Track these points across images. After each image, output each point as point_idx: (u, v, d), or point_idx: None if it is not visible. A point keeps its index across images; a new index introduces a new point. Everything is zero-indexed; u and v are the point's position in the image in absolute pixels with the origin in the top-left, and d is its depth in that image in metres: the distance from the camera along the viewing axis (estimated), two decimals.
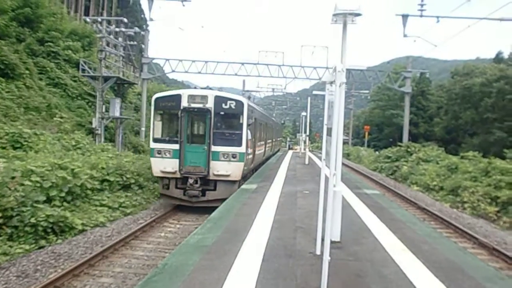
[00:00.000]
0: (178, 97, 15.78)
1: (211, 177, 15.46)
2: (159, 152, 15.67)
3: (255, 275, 5.80)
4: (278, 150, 42.63)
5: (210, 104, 15.52)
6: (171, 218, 14.05)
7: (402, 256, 6.90)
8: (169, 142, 15.73)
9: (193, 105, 15.54)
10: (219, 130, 15.68)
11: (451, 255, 7.17)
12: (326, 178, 6.05)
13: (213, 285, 5.41)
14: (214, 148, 15.45)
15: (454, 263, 6.70)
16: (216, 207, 11.32)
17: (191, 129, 16.24)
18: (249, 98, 27.30)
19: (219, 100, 15.69)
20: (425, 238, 8.25)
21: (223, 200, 12.77)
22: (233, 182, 15.76)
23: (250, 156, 17.90)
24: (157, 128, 16.10)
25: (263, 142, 23.60)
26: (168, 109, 16.13)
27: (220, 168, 15.40)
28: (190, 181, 15.23)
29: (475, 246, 11.91)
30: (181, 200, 15.62)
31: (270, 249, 7.03)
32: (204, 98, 15.69)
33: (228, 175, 15.47)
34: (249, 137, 17.00)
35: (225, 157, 15.53)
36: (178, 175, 15.46)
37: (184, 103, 15.55)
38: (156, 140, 15.90)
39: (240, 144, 15.74)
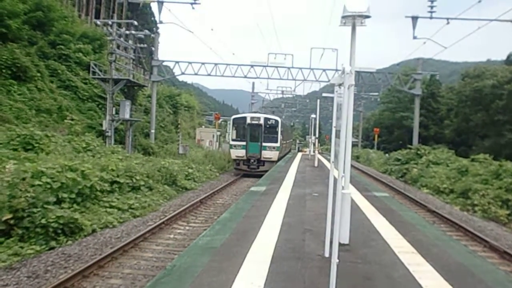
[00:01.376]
0: (245, 118, 29.70)
1: (262, 159, 28.43)
2: (235, 146, 29.01)
3: (263, 277, 5.81)
4: (290, 151, 49.40)
5: (261, 121, 28.96)
6: (180, 220, 14.08)
7: (411, 259, 6.87)
8: (240, 141, 28.81)
9: (253, 122, 28.90)
10: (266, 134, 28.75)
11: (461, 258, 7.12)
12: (335, 181, 6.05)
13: (221, 287, 5.43)
14: (264, 144, 28.53)
15: (464, 266, 6.65)
16: (263, 174, 21.67)
17: (251, 134, 28.69)
18: (273, 112, 46.37)
19: (266, 119, 29.32)
20: (435, 241, 8.20)
21: (267, 170, 24.46)
22: (273, 161, 28.83)
23: (281, 148, 30.79)
24: (233, 133, 29.52)
25: (285, 141, 35.54)
26: (240, 124, 29.31)
27: (267, 154, 28.51)
28: (251, 160, 28.46)
29: (486, 249, 11.79)
30: (245, 171, 28.46)
31: (279, 251, 7.03)
32: (258, 118, 29.34)
33: (271, 158, 28.66)
34: (281, 138, 29.86)
35: (269, 148, 28.58)
36: (245, 158, 28.47)
37: (248, 121, 29.01)
38: (233, 140, 29.38)
39: (277, 142, 29.07)
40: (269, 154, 28.49)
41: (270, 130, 29.05)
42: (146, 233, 11.62)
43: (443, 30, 27.15)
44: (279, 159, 31.18)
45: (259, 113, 34.59)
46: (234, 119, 30.53)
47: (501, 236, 13.50)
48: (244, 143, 28.59)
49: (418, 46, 77.72)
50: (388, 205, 12.58)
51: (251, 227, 8.73)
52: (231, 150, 29.32)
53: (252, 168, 28.30)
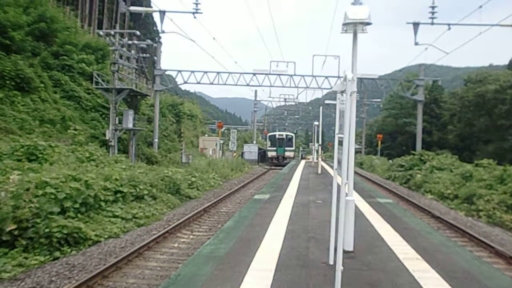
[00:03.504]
0: (275, 134, 56.53)
1: (285, 156, 52.05)
2: (270, 150, 52.95)
3: (268, 285, 5.79)
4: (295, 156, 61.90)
5: (284, 136, 54.65)
6: (184, 229, 14.07)
7: (416, 265, 6.84)
8: (273, 147, 52.78)
9: (279, 137, 54.32)
10: (287, 143, 53.27)
11: (466, 264, 7.08)
12: (338, 188, 6.05)
13: None
14: (286, 148, 52.47)
15: (469, 272, 6.61)
16: (286, 165, 42.62)
17: (279, 143, 52.55)
18: (284, 129, 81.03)
19: (287, 135, 55.94)
20: (440, 247, 8.17)
21: (288, 162, 45.74)
22: (291, 157, 52.71)
23: (295, 150, 56.34)
24: (269, 143, 54.16)
25: (296, 146, 61.32)
26: (272, 138, 54.46)
27: (288, 154, 52.69)
28: (279, 157, 51.87)
29: (491, 255, 11.72)
30: (276, 163, 49.91)
31: (283, 259, 7.01)
32: (282, 134, 56.19)
33: (290, 156, 52.91)
34: (295, 144, 57.26)
35: (289, 150, 52.93)
36: (275, 156, 51.97)
37: (277, 136, 54.84)
38: (269, 147, 53.44)
39: (293, 146, 55.15)
40: (289, 153, 53.17)
41: (289, 140, 54.41)
42: (150, 242, 11.61)
43: (445, 36, 27.23)
44: (294, 156, 55.29)
45: (283, 131, 68.17)
46: (269, 136, 57.11)
47: (507, 242, 13.40)
48: (275, 148, 52.74)
49: (420, 52, 77.75)
50: (392, 211, 12.54)
51: (255, 235, 8.71)
52: (268, 152, 53.89)
53: (280, 161, 51.24)
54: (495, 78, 47.36)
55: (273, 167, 46.45)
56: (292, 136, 56.48)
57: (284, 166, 41.56)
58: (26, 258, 9.50)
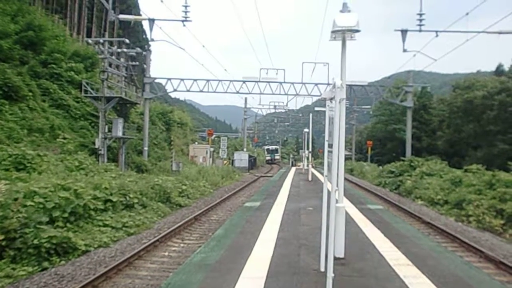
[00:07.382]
0: (269, 148, 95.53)
1: (274, 159, 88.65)
2: (267, 155, 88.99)
3: None
4: (279, 159, 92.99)
5: (273, 148, 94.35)
6: (175, 237, 13.97)
7: (407, 271, 6.85)
8: (268, 154, 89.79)
9: (271, 149, 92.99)
10: (275, 152, 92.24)
11: (457, 269, 7.11)
12: (329, 194, 6.05)
13: None
14: (275, 154, 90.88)
15: (460, 277, 6.64)
16: (276, 164, 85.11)
17: (270, 152, 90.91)
18: (272, 142, 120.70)
19: (274, 147, 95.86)
20: (430, 253, 8.20)
21: (277, 163, 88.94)
22: (278, 160, 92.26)
23: (280, 155, 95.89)
24: (266, 152, 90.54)
25: (280, 154, 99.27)
26: (268, 149, 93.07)
27: (276, 157, 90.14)
28: (272, 159, 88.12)
29: (481, 260, 11.76)
30: (269, 163, 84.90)
31: (274, 267, 6.99)
32: (273, 148, 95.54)
33: (278, 159, 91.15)
34: (280, 152, 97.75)
35: (276, 155, 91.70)
36: (269, 159, 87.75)
37: (270, 148, 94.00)
38: (266, 154, 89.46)
39: (278, 153, 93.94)
40: (277, 157, 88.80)
41: (276, 150, 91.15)
42: (140, 251, 11.50)
43: (433, 43, 27.50)
44: (279, 159, 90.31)
45: (273, 145, 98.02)
46: (266, 148, 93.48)
47: (496, 246, 13.47)
48: (269, 154, 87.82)
49: (409, 59, 78.80)
50: (382, 217, 12.58)
51: (246, 242, 8.68)
52: (266, 156, 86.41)
53: (272, 161, 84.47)
54: (482, 84, 47.82)
55: (263, 175, 46.56)
56: (277, 148, 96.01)
57: (274, 163, 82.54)
58: (13, 269, 9.37)
